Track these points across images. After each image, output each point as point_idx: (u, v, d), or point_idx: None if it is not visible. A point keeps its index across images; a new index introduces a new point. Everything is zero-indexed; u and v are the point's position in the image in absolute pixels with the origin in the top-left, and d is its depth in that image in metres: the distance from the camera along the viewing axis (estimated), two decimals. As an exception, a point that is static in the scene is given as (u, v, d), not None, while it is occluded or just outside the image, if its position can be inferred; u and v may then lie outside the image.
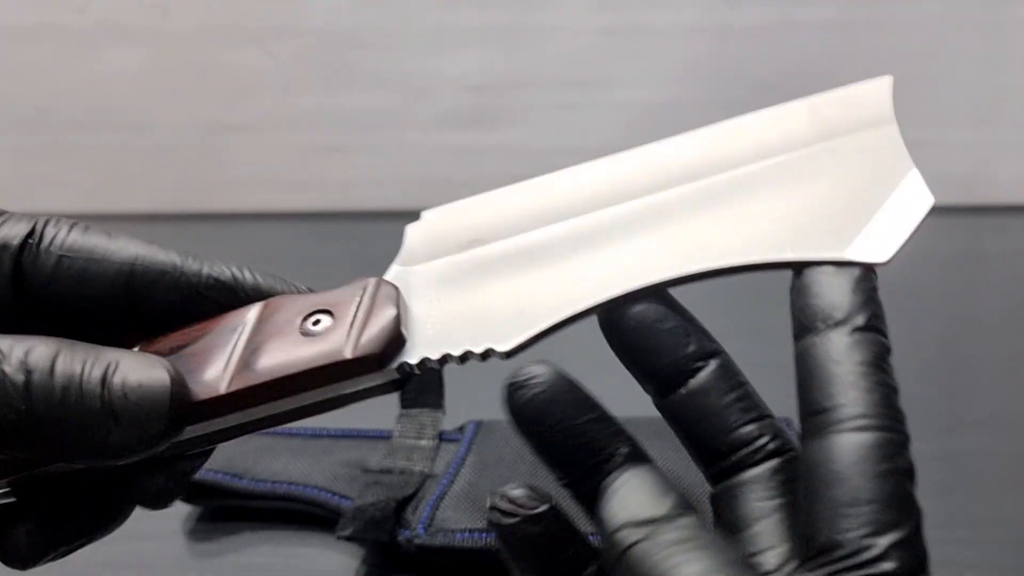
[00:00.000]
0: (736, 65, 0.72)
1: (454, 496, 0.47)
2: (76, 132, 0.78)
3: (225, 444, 0.27)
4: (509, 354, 0.26)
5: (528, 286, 0.27)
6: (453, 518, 0.45)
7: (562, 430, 0.26)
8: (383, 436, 0.51)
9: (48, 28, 0.74)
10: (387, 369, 0.26)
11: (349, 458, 0.50)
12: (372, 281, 0.27)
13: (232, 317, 0.27)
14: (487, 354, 0.26)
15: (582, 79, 0.73)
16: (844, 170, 0.27)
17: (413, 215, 0.85)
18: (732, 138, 0.28)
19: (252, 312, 0.27)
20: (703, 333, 0.27)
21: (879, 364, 0.23)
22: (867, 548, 0.20)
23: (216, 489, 0.48)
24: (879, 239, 0.25)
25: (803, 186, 0.26)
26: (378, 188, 0.79)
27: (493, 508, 0.25)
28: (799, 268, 0.25)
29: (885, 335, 0.24)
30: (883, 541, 0.20)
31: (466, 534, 0.45)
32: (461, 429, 0.51)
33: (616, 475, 0.23)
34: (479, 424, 0.51)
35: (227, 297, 0.27)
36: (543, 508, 0.25)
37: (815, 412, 0.23)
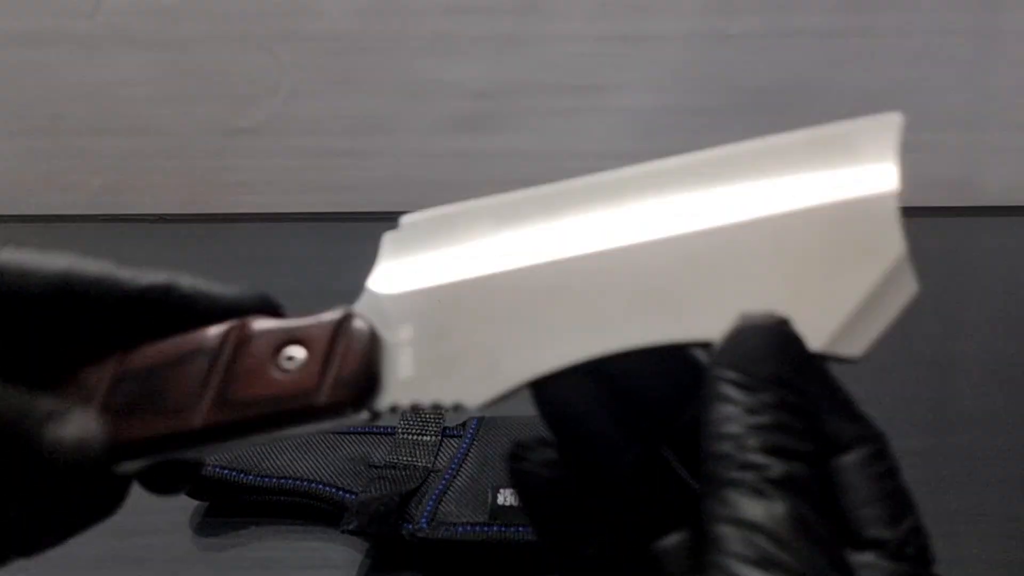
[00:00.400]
0: (732, 71, 0.73)
1: (456, 491, 0.47)
2: (85, 136, 0.78)
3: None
4: (479, 409, 0.25)
5: (505, 335, 0.25)
6: (455, 512, 0.46)
7: (585, 421, 0.26)
8: (387, 432, 0.52)
9: (57, 34, 0.75)
10: (359, 411, 0.25)
11: (354, 454, 0.51)
12: (347, 314, 0.26)
13: (205, 336, 0.26)
14: (457, 407, 0.25)
15: (581, 85, 0.74)
16: (833, 244, 0.24)
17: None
18: (727, 177, 0.26)
19: (226, 333, 0.26)
20: (695, 362, 0.26)
21: (830, 384, 0.24)
22: (889, 539, 0.22)
23: (223, 484, 0.49)
24: (856, 332, 0.23)
25: (790, 259, 0.24)
26: (381, 191, 0.79)
27: (511, 455, 0.25)
28: None
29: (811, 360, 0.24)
30: (901, 529, 0.22)
31: (468, 528, 0.45)
32: (463, 425, 0.52)
33: None
34: (481, 420, 0.52)
35: (162, 301, 0.27)
36: (552, 454, 0.25)
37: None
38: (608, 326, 0.25)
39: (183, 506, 0.50)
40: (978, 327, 0.65)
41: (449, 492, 0.47)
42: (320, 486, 0.49)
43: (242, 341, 0.26)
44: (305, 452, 0.51)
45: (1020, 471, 0.52)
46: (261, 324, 0.26)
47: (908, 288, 0.23)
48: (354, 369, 0.25)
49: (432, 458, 0.50)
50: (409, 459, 0.50)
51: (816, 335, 0.23)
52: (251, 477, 0.49)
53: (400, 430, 0.51)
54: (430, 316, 0.26)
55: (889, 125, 0.25)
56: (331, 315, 0.26)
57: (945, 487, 0.50)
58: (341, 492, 0.48)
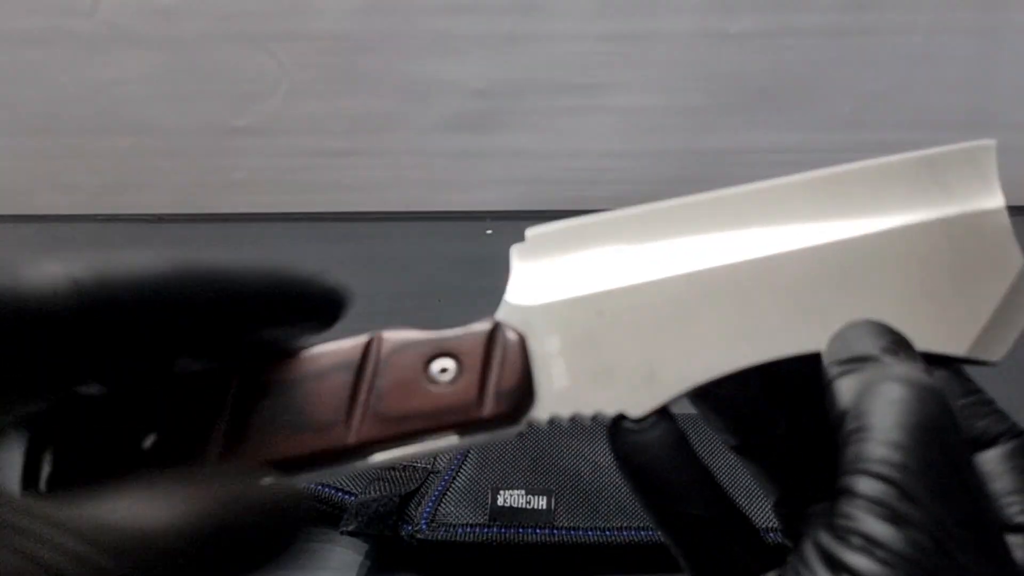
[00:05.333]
0: (733, 70, 0.73)
1: (456, 492, 0.47)
2: (84, 135, 0.78)
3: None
4: (641, 420, 0.25)
5: (659, 344, 0.26)
6: (455, 513, 0.46)
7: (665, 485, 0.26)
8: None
9: (56, 33, 0.74)
10: (517, 423, 0.25)
11: (353, 455, 0.50)
12: (497, 325, 0.26)
13: (341, 349, 0.26)
14: (619, 417, 0.25)
15: (582, 84, 0.74)
16: (956, 253, 0.26)
17: (416, 217, 0.85)
18: (844, 194, 0.27)
19: (365, 346, 0.25)
20: None
21: (972, 387, 0.26)
22: None
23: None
24: (994, 337, 0.25)
25: (919, 265, 0.26)
26: (382, 191, 0.79)
27: (611, 425, 0.26)
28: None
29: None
30: None
31: (468, 529, 0.45)
32: (463, 427, 0.52)
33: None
34: (480, 422, 0.52)
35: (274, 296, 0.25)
36: (653, 419, 0.25)
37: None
38: (761, 336, 0.26)
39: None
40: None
41: (449, 493, 0.47)
42: (319, 487, 0.49)
43: (385, 354, 0.25)
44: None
45: None
46: (401, 336, 0.26)
47: None
48: (514, 381, 0.25)
49: (432, 459, 0.50)
50: (408, 460, 0.49)
51: (958, 341, 0.25)
52: (250, 478, 0.49)
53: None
54: (577, 326, 0.26)
55: (985, 148, 0.27)
56: (479, 326, 0.26)
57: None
58: (340, 493, 0.48)
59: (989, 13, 0.71)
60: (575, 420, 0.25)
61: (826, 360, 0.24)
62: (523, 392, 0.25)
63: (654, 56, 0.73)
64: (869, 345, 0.24)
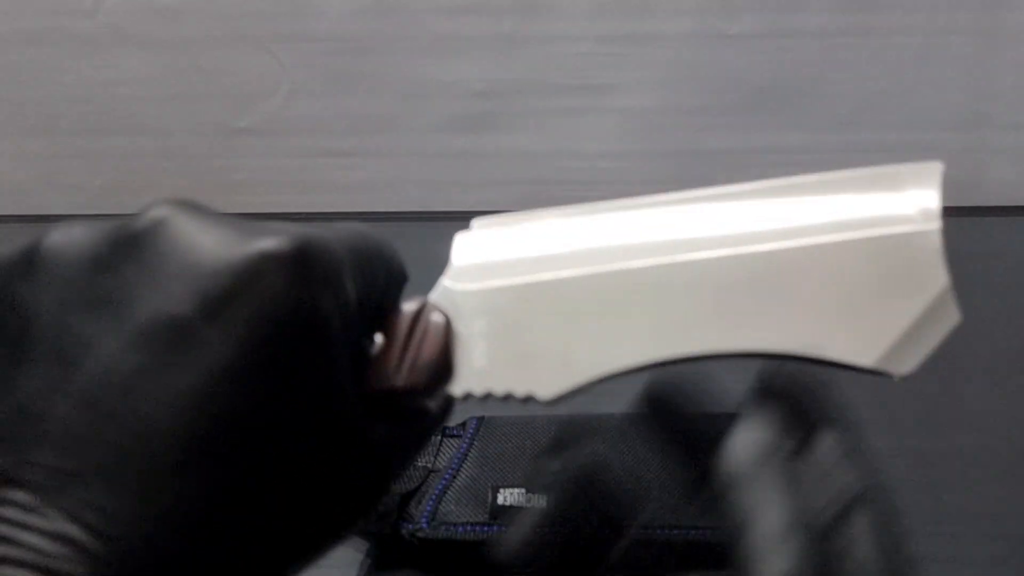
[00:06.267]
0: (731, 71, 0.73)
1: (456, 490, 0.47)
2: (84, 135, 0.78)
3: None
4: (551, 403, 0.27)
5: (579, 333, 0.27)
6: (455, 512, 0.46)
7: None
8: (387, 432, 0.52)
9: (57, 33, 0.75)
10: (432, 395, 0.27)
11: (354, 454, 0.51)
12: (424, 303, 0.28)
13: None
14: (529, 398, 0.27)
15: (582, 85, 0.74)
16: (881, 267, 0.26)
17: (416, 217, 0.85)
18: (780, 202, 0.28)
19: None
20: None
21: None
22: None
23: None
24: (905, 352, 0.26)
25: (842, 278, 0.26)
26: (382, 191, 0.79)
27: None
28: (822, 365, 0.26)
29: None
30: None
31: (468, 527, 0.46)
32: (463, 425, 0.52)
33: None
34: (481, 420, 0.52)
35: None
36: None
37: None
38: (678, 333, 0.26)
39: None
40: (980, 328, 0.65)
41: (449, 492, 0.47)
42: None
43: None
44: (305, 452, 0.51)
45: (1020, 471, 0.52)
46: None
47: (951, 318, 0.26)
48: (431, 356, 0.27)
49: (432, 458, 0.50)
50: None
51: (868, 352, 0.26)
52: (251, 477, 0.49)
53: (400, 430, 0.51)
54: (504, 312, 0.27)
55: (932, 170, 0.27)
56: (409, 306, 0.28)
57: (946, 487, 0.50)
58: (341, 492, 0.48)
59: (988, 14, 0.71)
60: (488, 398, 0.27)
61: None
62: (439, 367, 0.27)
63: (654, 57, 0.73)
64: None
